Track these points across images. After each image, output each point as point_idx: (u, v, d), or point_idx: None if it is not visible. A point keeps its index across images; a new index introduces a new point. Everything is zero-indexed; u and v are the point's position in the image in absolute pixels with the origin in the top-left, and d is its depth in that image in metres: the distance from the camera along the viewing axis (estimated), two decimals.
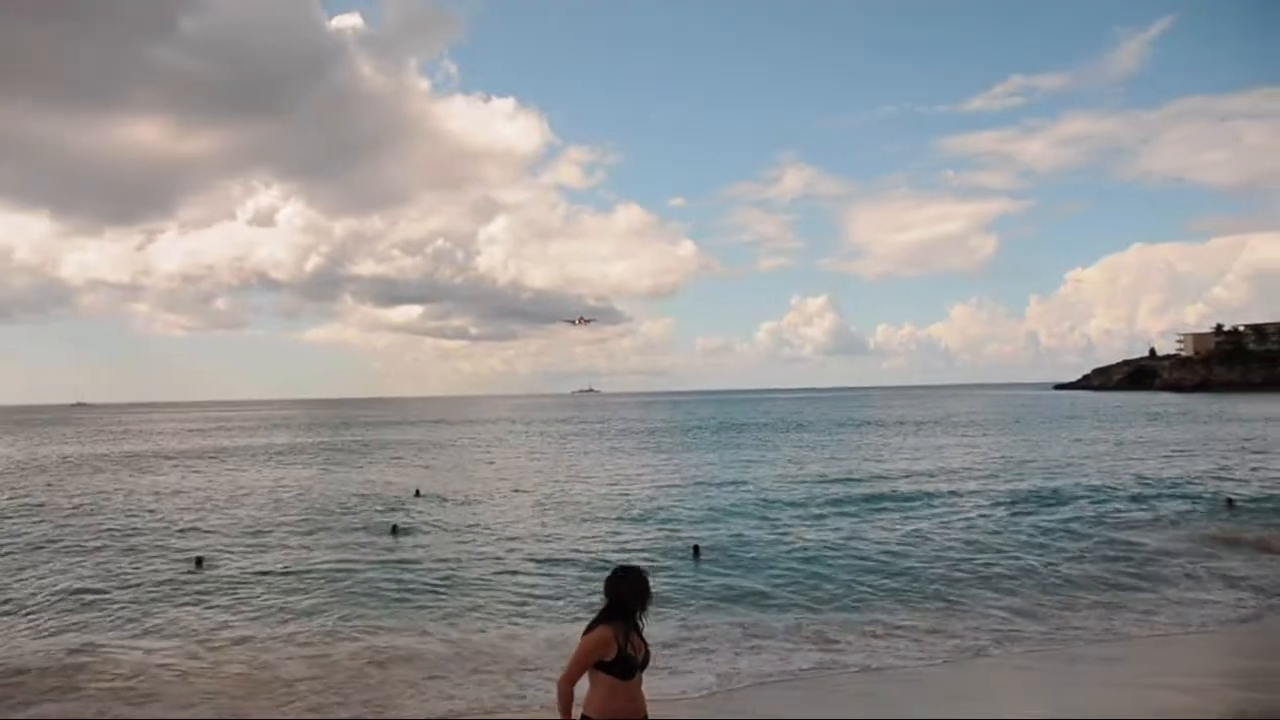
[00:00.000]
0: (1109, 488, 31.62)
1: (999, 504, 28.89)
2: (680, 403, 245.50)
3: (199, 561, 21.91)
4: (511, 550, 23.01)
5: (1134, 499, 28.78)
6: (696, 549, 21.56)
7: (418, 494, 35.55)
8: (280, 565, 21.72)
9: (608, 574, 5.69)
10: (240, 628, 15.79)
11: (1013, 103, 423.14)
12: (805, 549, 21.77)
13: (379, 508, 31.81)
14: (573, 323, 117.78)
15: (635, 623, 5.52)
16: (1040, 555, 20.65)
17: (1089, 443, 54.12)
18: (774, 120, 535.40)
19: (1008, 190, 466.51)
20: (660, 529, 25.57)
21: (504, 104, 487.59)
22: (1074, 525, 24.59)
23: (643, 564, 21.50)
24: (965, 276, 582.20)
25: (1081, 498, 29.62)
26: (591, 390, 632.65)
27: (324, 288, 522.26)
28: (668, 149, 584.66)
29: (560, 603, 17.23)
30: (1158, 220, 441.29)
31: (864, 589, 17.76)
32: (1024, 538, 22.88)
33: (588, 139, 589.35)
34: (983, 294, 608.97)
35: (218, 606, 17.43)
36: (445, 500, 34.07)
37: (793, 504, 30.43)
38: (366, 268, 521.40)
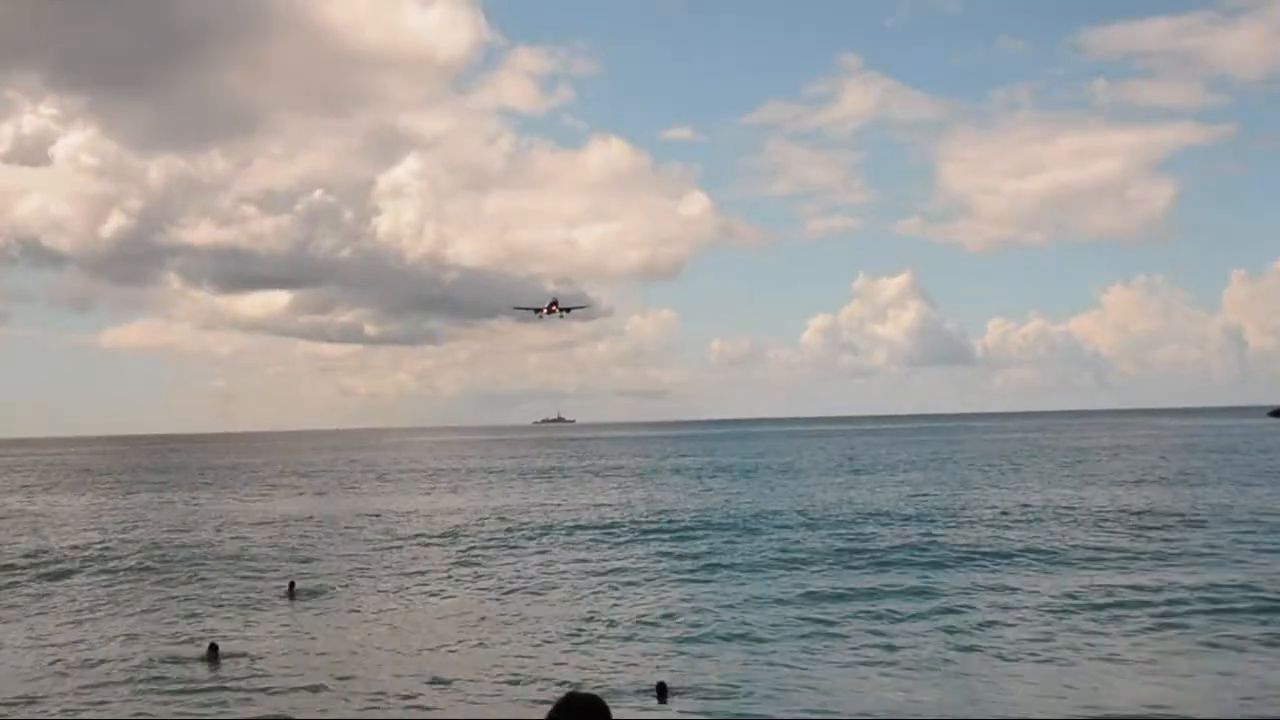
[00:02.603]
0: None
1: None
2: (684, 439, 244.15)
3: None
4: (399, 677, 24.27)
5: None
6: (662, 687, 22.60)
7: (291, 590, 37.21)
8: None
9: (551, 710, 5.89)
10: None
11: None
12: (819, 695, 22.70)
13: (224, 613, 33.12)
14: (537, 312, 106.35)
15: None
16: None
17: None
18: (823, 8, 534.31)
19: (1194, 110, 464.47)
20: (617, 656, 26.73)
21: None
22: None
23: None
24: (1126, 244, 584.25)
25: None
26: (560, 419, 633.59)
27: (133, 263, 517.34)
28: (667, 53, 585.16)
29: None
30: None
31: None
32: None
33: (546, 37, 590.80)
34: (1154, 270, 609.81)
35: None
36: (330, 601, 35.61)
37: (810, 623, 30.60)
38: (201, 232, 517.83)
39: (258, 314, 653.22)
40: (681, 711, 21.54)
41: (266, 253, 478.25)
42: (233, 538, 56.10)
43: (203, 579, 40.87)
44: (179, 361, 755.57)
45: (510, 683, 24.25)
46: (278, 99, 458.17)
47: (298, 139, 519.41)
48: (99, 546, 52.54)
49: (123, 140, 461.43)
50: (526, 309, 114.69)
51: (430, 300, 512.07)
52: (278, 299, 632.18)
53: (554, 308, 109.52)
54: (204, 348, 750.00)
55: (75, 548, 51.82)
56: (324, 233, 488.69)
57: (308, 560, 45.81)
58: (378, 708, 22.33)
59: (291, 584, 38.09)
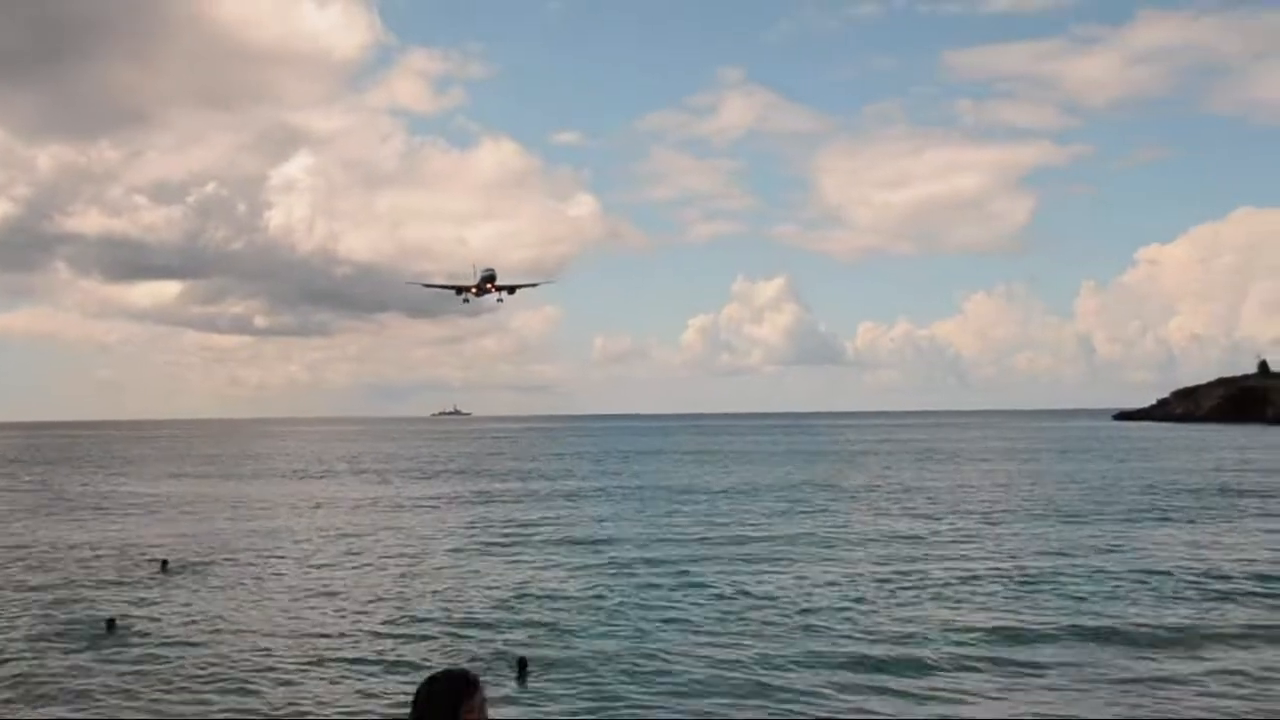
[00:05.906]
0: None
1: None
2: (559, 434, 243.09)
3: None
4: (274, 654, 24.91)
5: None
6: (523, 663, 23.43)
7: (164, 567, 37.58)
8: None
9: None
10: None
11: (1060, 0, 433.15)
12: (680, 671, 23.56)
13: (98, 589, 33.35)
14: (460, 293, 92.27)
15: None
16: None
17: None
18: (710, 22, 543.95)
19: (1050, 130, 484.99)
20: (479, 633, 27.51)
21: None
22: None
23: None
24: (987, 255, 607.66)
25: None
26: (457, 412, 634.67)
27: (19, 251, 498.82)
28: (559, 60, 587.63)
29: None
30: (1276, 174, 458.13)
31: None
32: None
33: (439, 39, 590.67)
34: (1013, 279, 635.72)
35: None
36: (203, 576, 36.16)
37: (677, 598, 31.86)
38: (90, 221, 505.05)
39: (147, 304, 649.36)
40: (541, 688, 22.33)
41: (157, 243, 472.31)
42: (106, 519, 55.73)
43: (74, 559, 40.72)
44: (66, 349, 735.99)
45: (374, 661, 24.84)
46: (171, 90, 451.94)
47: (190, 132, 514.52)
48: None
49: (10, 127, 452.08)
50: (445, 288, 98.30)
51: (321, 293, 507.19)
52: (168, 289, 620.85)
53: (490, 286, 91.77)
54: (92, 336, 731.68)
55: None
56: (216, 225, 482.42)
57: (181, 540, 45.88)
58: (256, 683, 22.87)
59: (164, 561, 38.37)
